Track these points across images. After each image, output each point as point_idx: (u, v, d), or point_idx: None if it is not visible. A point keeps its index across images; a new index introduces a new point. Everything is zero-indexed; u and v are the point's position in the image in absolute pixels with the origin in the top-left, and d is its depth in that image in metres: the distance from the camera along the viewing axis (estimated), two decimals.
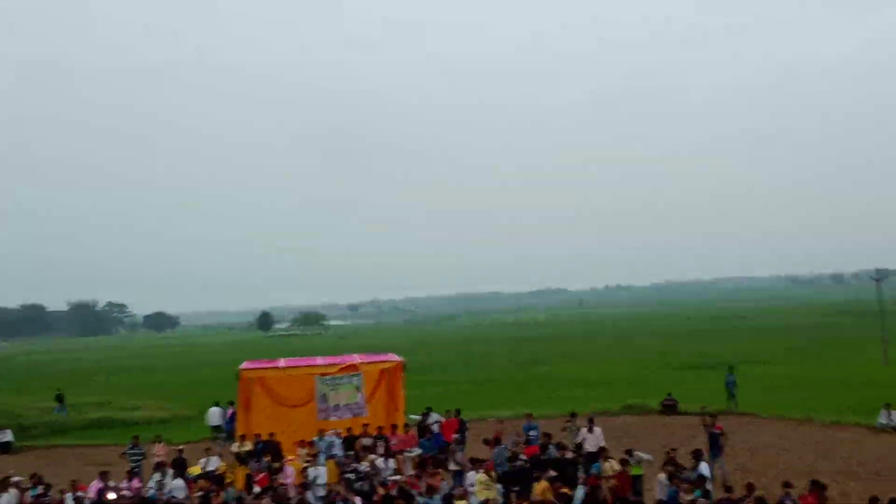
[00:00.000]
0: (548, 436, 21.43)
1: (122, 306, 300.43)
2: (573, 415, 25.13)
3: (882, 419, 27.06)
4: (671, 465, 17.59)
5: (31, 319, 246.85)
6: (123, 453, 24.18)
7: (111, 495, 18.27)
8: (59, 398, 42.30)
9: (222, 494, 17.62)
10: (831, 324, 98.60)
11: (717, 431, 20.76)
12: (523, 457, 19.94)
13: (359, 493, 17.96)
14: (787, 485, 15.39)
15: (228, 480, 20.18)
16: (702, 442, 24.66)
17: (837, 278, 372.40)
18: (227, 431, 30.65)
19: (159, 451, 23.62)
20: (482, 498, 16.89)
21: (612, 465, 17.96)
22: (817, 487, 14.59)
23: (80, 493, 18.35)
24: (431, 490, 16.71)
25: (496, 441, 21.73)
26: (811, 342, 70.66)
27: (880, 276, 54.89)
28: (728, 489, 15.62)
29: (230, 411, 30.81)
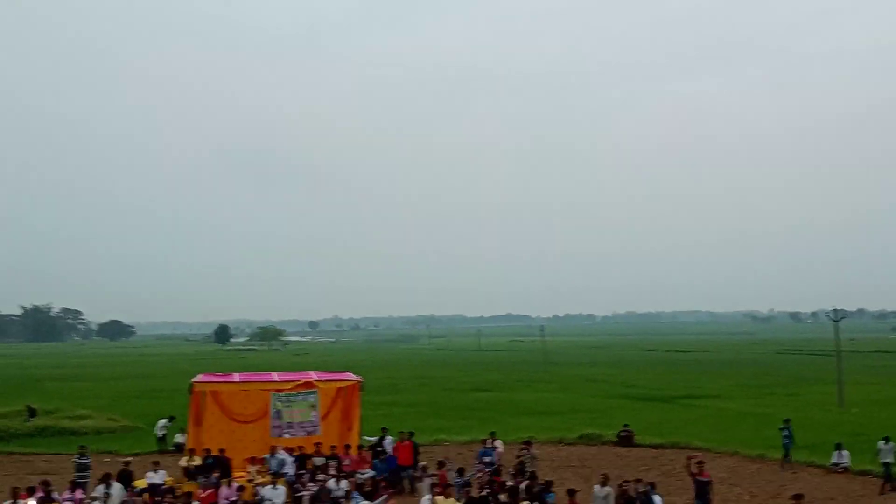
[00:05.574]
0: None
1: (76, 313, 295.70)
2: (528, 442, 24.95)
3: (834, 459, 27.25)
4: (623, 499, 17.49)
5: None
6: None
7: None
8: (32, 412, 40.46)
9: None
10: (787, 362, 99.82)
11: (705, 479, 19.03)
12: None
13: None
14: None
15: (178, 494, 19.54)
16: (655, 475, 24.69)
17: (795, 317, 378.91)
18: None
19: None
20: None
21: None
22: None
23: (20, 502, 17.73)
24: None
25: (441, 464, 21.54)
26: (767, 379, 71.35)
27: (837, 316, 55.42)
28: None
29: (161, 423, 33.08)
